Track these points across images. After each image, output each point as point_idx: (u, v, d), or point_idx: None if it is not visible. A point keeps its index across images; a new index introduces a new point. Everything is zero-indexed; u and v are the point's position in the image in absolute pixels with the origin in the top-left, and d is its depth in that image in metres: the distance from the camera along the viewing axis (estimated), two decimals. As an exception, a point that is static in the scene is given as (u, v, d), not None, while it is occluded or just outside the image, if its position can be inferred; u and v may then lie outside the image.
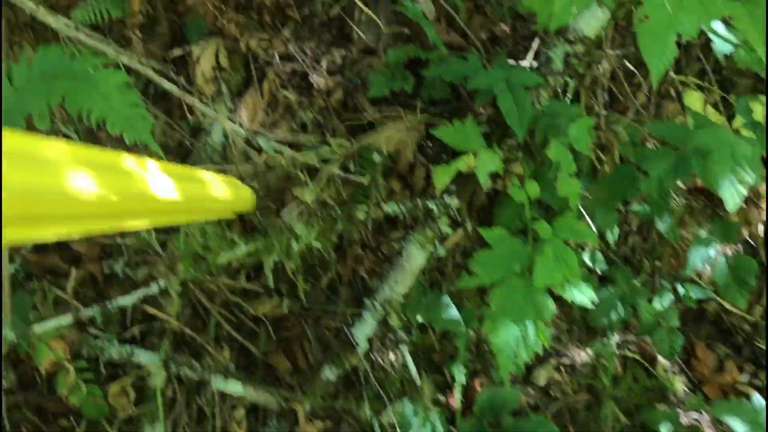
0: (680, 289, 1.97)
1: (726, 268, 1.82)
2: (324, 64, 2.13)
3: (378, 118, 2.05)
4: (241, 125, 2.02)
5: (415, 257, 1.75)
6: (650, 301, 2.02)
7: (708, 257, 1.81)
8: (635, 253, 2.00)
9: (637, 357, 2.07)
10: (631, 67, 1.89)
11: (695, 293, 1.95)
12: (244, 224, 1.90)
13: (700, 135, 1.46)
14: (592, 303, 1.45)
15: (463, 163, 1.57)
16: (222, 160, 2.00)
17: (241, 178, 1.96)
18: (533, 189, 1.50)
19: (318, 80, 2.09)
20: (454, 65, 1.69)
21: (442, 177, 1.58)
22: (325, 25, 2.23)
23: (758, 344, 2.19)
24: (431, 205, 1.74)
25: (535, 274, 1.32)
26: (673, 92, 1.90)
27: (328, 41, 2.21)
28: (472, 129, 1.60)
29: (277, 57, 2.09)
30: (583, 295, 1.38)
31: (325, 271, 1.82)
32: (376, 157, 1.98)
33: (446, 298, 1.83)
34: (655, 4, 1.34)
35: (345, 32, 2.23)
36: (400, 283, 1.76)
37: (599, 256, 1.86)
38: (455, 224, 1.76)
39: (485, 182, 1.58)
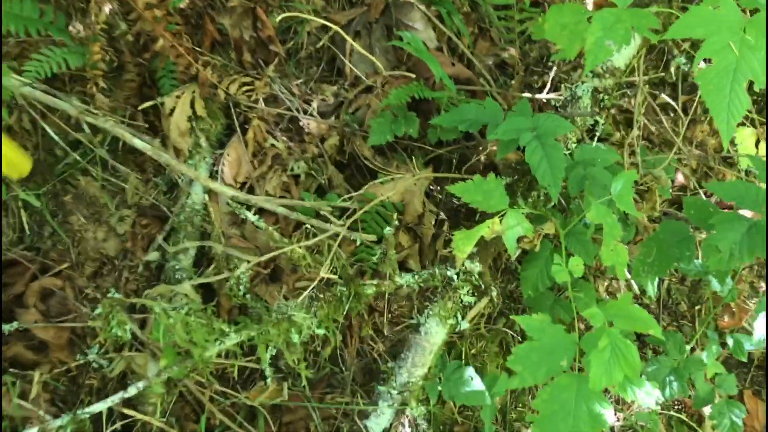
0: (729, 341, 1.75)
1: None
2: (315, 104, 1.89)
3: (380, 165, 1.81)
4: (224, 181, 1.78)
5: (436, 334, 1.52)
6: (693, 350, 1.80)
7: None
8: (674, 299, 1.78)
9: (683, 417, 1.85)
10: (668, 99, 1.67)
11: (748, 344, 1.73)
12: (231, 310, 1.66)
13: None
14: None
15: (487, 229, 1.34)
16: (204, 223, 1.76)
17: (227, 242, 1.72)
18: (577, 267, 1.27)
19: (309, 124, 1.85)
20: (469, 111, 1.46)
21: (464, 245, 1.34)
22: (313, 59, 1.99)
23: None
24: (451, 273, 1.51)
25: (589, 373, 1.10)
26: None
27: (318, 77, 1.97)
28: (496, 186, 1.37)
29: (262, 100, 1.85)
30: (648, 397, 1.16)
31: (332, 357, 1.59)
32: (382, 210, 1.75)
33: (470, 370, 1.60)
34: (718, 44, 1.11)
35: (336, 65, 1.99)
36: (419, 366, 1.53)
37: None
38: (478, 291, 1.53)
39: (514, 249, 1.35)
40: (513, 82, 1.88)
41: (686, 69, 1.64)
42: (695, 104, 1.62)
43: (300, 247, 1.44)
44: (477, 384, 1.62)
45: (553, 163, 1.31)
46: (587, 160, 1.43)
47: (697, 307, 1.92)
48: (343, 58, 1.92)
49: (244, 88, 1.81)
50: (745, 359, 1.78)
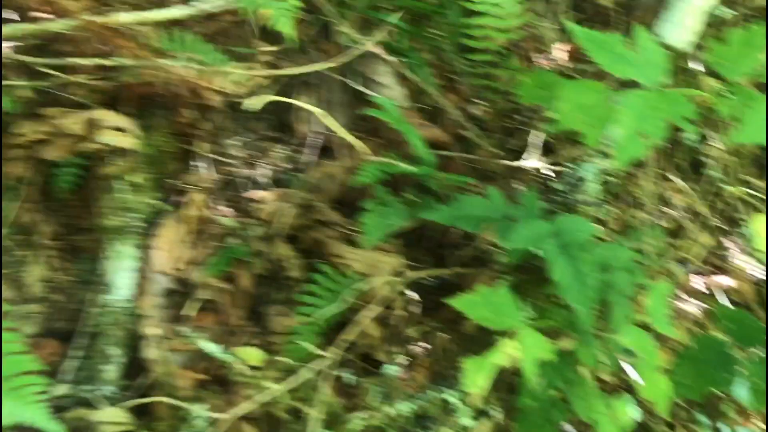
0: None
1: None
2: (264, 170, 1.60)
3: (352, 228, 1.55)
4: (157, 269, 1.46)
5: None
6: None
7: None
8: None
9: None
10: (680, 181, 1.49)
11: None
12: None
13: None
14: None
15: (502, 356, 1.12)
16: (132, 324, 1.44)
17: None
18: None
19: (259, 196, 1.56)
20: (471, 206, 1.24)
21: (478, 378, 1.11)
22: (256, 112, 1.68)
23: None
24: (452, 398, 1.28)
25: None
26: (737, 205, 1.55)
27: (264, 135, 1.67)
28: (506, 299, 1.15)
29: (199, 169, 1.54)
30: None
31: None
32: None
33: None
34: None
35: (283, 122, 1.70)
36: None
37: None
38: (479, 413, 1.31)
39: (533, 376, 1.14)
40: (483, 142, 1.67)
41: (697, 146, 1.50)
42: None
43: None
44: None
45: (582, 280, 1.11)
46: (603, 261, 1.23)
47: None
48: (292, 114, 1.64)
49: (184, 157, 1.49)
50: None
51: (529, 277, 1.34)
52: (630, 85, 1.18)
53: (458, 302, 1.17)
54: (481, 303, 1.16)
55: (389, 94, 1.62)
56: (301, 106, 1.64)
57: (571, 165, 1.40)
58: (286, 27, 1.11)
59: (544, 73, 1.48)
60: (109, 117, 1.42)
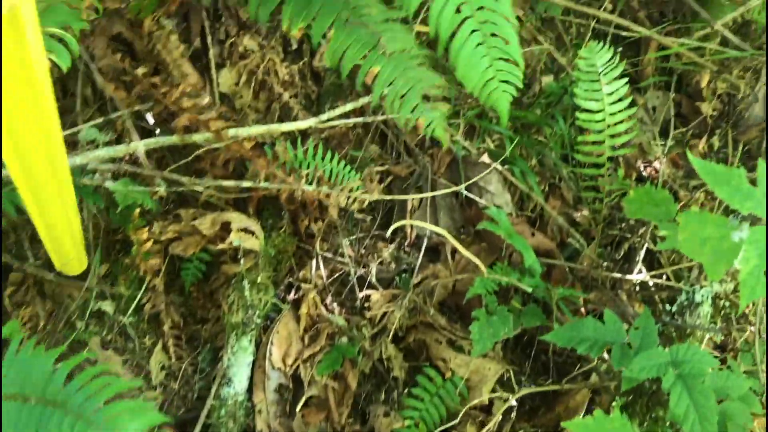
0: None
1: None
2: (373, 269, 1.66)
3: (460, 334, 1.59)
4: (272, 364, 1.53)
5: None
6: None
7: None
8: None
9: None
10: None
11: None
12: None
13: None
14: None
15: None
16: (245, 417, 1.50)
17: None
18: None
19: (370, 296, 1.62)
20: (587, 329, 1.26)
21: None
22: (366, 211, 1.77)
23: None
24: None
25: None
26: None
27: (374, 233, 1.75)
28: (623, 427, 1.15)
29: (313, 267, 1.62)
30: None
31: None
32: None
33: None
34: None
35: (393, 220, 1.77)
36: None
37: None
38: None
39: None
40: (587, 251, 1.70)
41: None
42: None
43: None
44: None
45: (700, 411, 1.11)
46: (719, 389, 1.23)
47: None
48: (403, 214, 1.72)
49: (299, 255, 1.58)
50: None
51: (639, 399, 1.34)
52: (751, 219, 1.20)
53: (572, 426, 1.18)
54: (596, 428, 1.16)
55: (496, 200, 1.68)
56: (408, 209, 1.72)
57: (683, 286, 1.41)
58: (441, 134, 1.19)
59: (652, 189, 1.50)
60: (237, 219, 1.51)
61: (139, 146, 1.44)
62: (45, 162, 0.91)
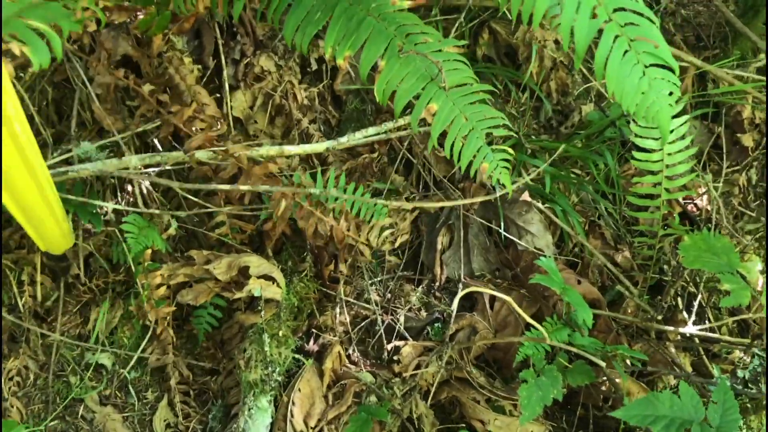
0: None
1: None
2: (401, 318, 1.51)
3: (502, 394, 1.44)
4: (293, 427, 1.36)
5: None
6: None
7: None
8: None
9: None
10: None
11: None
12: None
13: None
14: None
15: None
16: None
17: None
18: None
19: (400, 349, 1.46)
20: (662, 405, 1.11)
21: None
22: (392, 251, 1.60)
23: None
24: None
25: None
26: None
27: (400, 275, 1.59)
28: None
29: (338, 317, 1.46)
30: None
31: None
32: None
33: None
34: None
35: (420, 261, 1.62)
36: None
37: None
38: None
39: None
40: (634, 299, 1.55)
41: None
42: None
43: None
44: None
45: None
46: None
47: None
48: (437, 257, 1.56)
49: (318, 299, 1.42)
50: None
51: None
52: None
53: None
54: None
55: (537, 243, 1.53)
56: (438, 248, 1.57)
57: (745, 341, 1.28)
58: (507, 180, 1.04)
59: (710, 236, 1.37)
60: (256, 263, 1.35)
61: (132, 160, 1.26)
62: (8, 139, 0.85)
